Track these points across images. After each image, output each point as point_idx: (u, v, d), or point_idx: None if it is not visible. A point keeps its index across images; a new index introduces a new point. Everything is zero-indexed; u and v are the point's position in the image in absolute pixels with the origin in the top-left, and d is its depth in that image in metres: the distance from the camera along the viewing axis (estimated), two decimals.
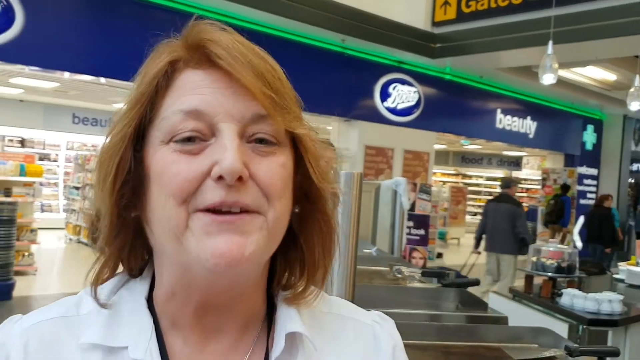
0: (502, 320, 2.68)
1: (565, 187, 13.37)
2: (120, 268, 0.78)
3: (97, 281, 0.74)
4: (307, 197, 0.75)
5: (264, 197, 0.67)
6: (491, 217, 8.77)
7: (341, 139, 10.73)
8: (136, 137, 0.69)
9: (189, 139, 0.66)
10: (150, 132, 0.69)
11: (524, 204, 22.42)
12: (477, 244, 9.08)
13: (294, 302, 0.77)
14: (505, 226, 8.44)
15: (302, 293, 0.78)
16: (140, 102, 0.69)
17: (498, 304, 4.36)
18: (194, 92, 0.67)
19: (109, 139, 0.70)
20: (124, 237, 0.73)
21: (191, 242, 0.65)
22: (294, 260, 0.78)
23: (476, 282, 3.16)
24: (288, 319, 0.74)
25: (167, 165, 0.66)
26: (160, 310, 0.74)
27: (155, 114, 0.69)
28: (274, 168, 0.68)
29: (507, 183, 9.30)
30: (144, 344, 0.70)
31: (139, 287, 0.76)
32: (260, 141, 0.68)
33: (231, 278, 0.69)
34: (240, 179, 0.64)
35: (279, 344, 0.72)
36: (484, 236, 8.88)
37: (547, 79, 6.96)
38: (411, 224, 8.90)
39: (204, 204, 0.65)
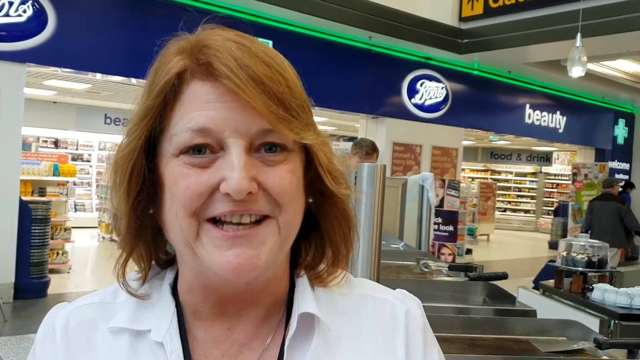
0: (530, 313, 2.66)
1: (628, 185, 13.32)
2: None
3: (124, 275, 0.78)
4: (321, 194, 0.76)
5: (275, 203, 0.68)
6: (597, 215, 9.59)
7: (369, 136, 10.72)
8: (148, 147, 0.71)
9: (199, 151, 0.67)
10: (162, 144, 0.71)
11: (553, 200, 22.22)
12: None
13: (320, 284, 0.80)
14: (614, 222, 9.30)
15: (328, 277, 0.80)
16: (149, 115, 0.70)
17: (527, 299, 4.32)
18: (201, 107, 0.67)
19: (122, 146, 0.72)
20: (142, 236, 0.76)
21: (203, 253, 0.68)
22: (318, 246, 0.80)
23: (504, 276, 3.14)
24: (303, 301, 0.75)
25: (178, 179, 0.68)
26: (182, 299, 0.77)
27: (165, 126, 0.70)
28: (283, 176, 0.69)
29: (610, 183, 10.15)
30: (165, 327, 0.73)
31: (168, 276, 0.80)
32: (270, 149, 0.68)
33: (246, 282, 0.71)
34: (249, 193, 0.66)
35: (292, 326, 0.73)
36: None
37: (576, 71, 6.88)
38: (440, 220, 8.88)
39: (214, 214, 0.67)
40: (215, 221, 0.68)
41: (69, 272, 9.38)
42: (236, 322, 0.76)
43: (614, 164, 15.27)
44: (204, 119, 0.67)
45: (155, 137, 0.71)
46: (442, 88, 11.23)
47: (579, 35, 6.80)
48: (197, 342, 0.75)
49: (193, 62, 0.69)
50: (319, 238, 0.80)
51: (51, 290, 7.97)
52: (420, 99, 10.94)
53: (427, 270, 3.21)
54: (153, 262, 0.80)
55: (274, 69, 0.69)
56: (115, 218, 0.75)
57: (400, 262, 3.41)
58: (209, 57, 0.68)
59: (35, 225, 7.76)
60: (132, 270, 0.79)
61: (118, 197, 0.72)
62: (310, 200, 0.76)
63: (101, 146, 16.35)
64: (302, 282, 0.78)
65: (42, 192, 9.44)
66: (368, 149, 4.58)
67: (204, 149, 0.67)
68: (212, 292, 0.74)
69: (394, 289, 0.85)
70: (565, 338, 2.33)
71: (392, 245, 3.86)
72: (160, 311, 0.75)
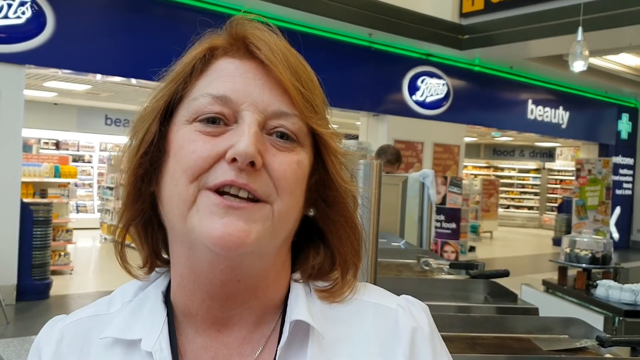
0: (532, 311, 2.63)
1: None
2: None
3: (125, 258, 0.78)
4: (325, 200, 0.75)
5: (274, 188, 0.68)
6: None
7: (370, 134, 10.71)
8: (165, 113, 0.72)
9: (212, 121, 0.68)
10: (178, 111, 0.72)
11: (557, 196, 22.23)
12: None
13: (329, 298, 0.77)
14: None
15: (340, 289, 0.77)
16: (175, 81, 0.72)
17: (530, 296, 4.29)
18: (226, 79, 0.70)
19: (145, 107, 0.74)
20: (140, 207, 0.75)
21: (194, 221, 0.67)
22: (321, 255, 0.78)
23: (506, 274, 3.10)
24: (296, 307, 0.73)
25: (186, 143, 0.68)
26: (174, 299, 0.76)
27: (187, 93, 0.71)
28: (289, 163, 0.69)
29: None
30: (155, 335, 0.72)
31: (160, 284, 0.79)
32: (281, 136, 0.69)
33: (231, 264, 0.69)
34: (252, 164, 0.65)
35: (284, 334, 0.71)
36: None
37: (578, 66, 6.84)
38: (442, 217, 8.83)
39: (214, 182, 0.66)
40: (213, 191, 0.67)
41: (71, 274, 9.38)
42: (226, 327, 0.74)
43: (618, 159, 15.22)
44: (227, 88, 0.69)
45: (174, 103, 0.72)
46: (443, 84, 11.20)
47: (580, 29, 6.77)
48: (188, 347, 0.74)
49: (227, 39, 0.73)
50: (327, 249, 0.78)
51: (53, 291, 7.95)
52: (422, 95, 10.91)
53: (427, 268, 3.18)
54: (151, 261, 0.79)
55: (302, 63, 0.73)
56: (119, 185, 0.76)
57: (401, 261, 3.37)
58: (245, 33, 0.72)
59: (36, 227, 7.75)
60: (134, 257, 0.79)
61: (128, 155, 0.73)
62: (311, 213, 0.76)
63: (102, 147, 16.34)
64: (297, 288, 0.76)
65: (43, 194, 9.44)
66: (391, 158, 4.41)
67: (218, 121, 0.68)
68: (201, 277, 0.71)
69: (399, 295, 0.82)
70: (567, 336, 2.30)
71: (393, 244, 3.83)
72: (152, 319, 0.74)
